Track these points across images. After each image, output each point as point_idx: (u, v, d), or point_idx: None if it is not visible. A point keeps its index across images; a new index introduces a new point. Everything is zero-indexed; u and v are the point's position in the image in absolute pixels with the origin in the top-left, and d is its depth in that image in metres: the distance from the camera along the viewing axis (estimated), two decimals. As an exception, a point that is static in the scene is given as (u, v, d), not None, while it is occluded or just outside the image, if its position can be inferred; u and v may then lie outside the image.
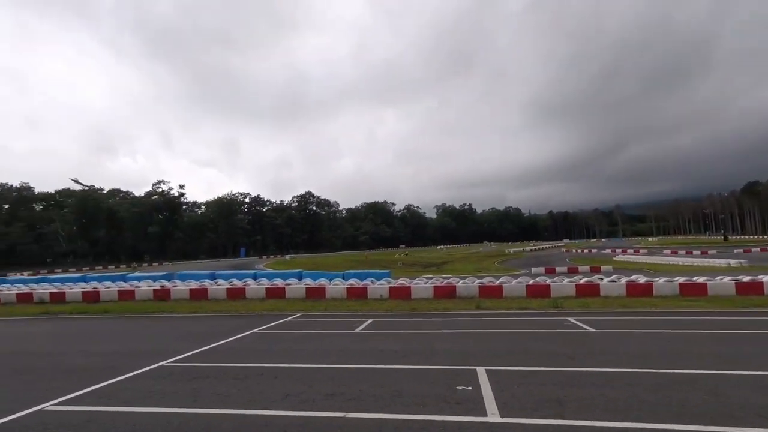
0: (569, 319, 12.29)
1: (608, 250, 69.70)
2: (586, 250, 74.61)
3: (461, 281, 20.12)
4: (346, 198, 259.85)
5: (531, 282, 18.98)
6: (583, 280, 19.03)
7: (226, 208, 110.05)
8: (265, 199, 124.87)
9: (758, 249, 56.87)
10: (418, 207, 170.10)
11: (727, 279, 18.13)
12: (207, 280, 24.69)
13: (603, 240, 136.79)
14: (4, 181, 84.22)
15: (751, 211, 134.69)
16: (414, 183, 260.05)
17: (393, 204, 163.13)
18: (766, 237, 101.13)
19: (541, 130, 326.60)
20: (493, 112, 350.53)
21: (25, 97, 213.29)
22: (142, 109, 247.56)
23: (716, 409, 4.90)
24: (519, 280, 20.06)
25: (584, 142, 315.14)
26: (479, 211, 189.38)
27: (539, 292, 17.69)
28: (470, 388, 5.86)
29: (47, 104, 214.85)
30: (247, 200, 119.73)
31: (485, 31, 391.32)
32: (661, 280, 18.49)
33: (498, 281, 19.49)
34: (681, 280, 18.20)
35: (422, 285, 19.29)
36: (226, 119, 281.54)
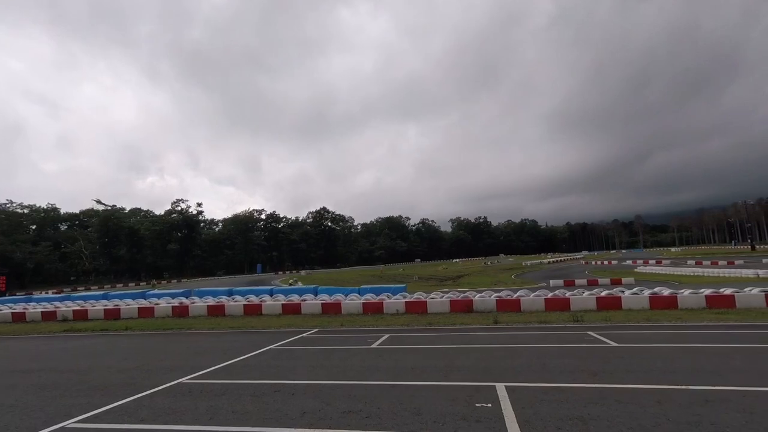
0: (590, 333, 11.96)
1: (629, 262, 68.03)
2: (605, 262, 72.93)
3: (478, 295, 19.83)
4: (365, 213, 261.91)
5: (550, 295, 18.59)
6: (603, 293, 18.55)
7: (242, 224, 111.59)
8: (281, 216, 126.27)
9: (789, 258, 54.60)
10: (433, 221, 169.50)
11: (756, 290, 17.43)
12: (224, 296, 24.92)
13: (623, 251, 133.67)
14: (32, 202, 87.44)
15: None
16: (432, 197, 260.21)
17: (408, 218, 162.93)
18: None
19: (562, 142, 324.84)
20: (514, 125, 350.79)
21: (59, 120, 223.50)
22: (171, 130, 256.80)
23: (751, 429, 4.67)
24: (537, 293, 19.67)
25: (606, 153, 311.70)
26: (494, 223, 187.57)
27: (558, 305, 17.31)
28: (490, 405, 5.73)
29: (80, 127, 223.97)
30: (263, 217, 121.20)
31: (509, 45, 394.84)
32: (687, 292, 17.89)
33: (516, 295, 19.15)
34: (707, 291, 17.58)
35: (438, 299, 19.08)
36: (250, 138, 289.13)
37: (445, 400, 6.06)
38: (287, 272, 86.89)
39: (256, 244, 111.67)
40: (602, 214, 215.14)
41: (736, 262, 50.22)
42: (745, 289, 17.77)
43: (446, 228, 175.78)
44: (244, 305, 20.55)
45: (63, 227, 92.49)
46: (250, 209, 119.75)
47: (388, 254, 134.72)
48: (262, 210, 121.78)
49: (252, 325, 16.38)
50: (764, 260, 51.82)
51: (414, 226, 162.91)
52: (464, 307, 17.92)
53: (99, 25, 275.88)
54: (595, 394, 6.10)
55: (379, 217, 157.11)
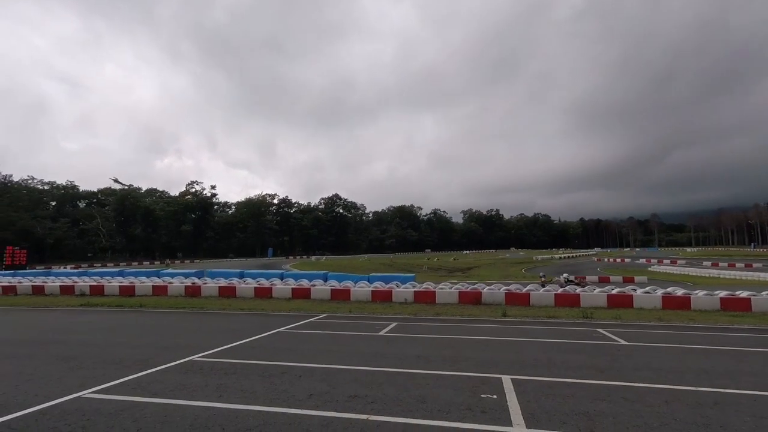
0: (600, 330, 11.87)
1: (643, 260, 67.04)
2: (618, 260, 72.01)
3: (487, 287, 19.79)
4: (377, 201, 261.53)
5: (560, 291, 18.45)
6: (615, 291, 18.34)
7: (255, 208, 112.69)
8: (293, 201, 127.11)
9: (810, 263, 53.14)
10: (444, 212, 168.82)
11: (774, 294, 17.03)
12: (236, 278, 25.31)
13: (637, 249, 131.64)
14: (52, 179, 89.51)
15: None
16: (445, 188, 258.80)
17: (420, 208, 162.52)
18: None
19: (579, 137, 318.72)
20: (533, 118, 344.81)
21: (81, 99, 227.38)
22: (190, 112, 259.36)
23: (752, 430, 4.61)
24: (547, 288, 19.53)
25: (624, 149, 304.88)
26: (507, 217, 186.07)
27: (569, 301, 17.19)
28: (495, 396, 5.75)
29: (101, 106, 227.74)
30: (275, 201, 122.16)
31: (532, 38, 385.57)
32: (701, 293, 17.58)
33: (525, 289, 19.06)
34: (722, 293, 17.25)
35: (447, 290, 19.09)
36: (266, 122, 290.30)
37: (451, 389, 6.10)
38: (298, 257, 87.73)
39: (268, 228, 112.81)
40: (617, 211, 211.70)
41: (755, 265, 49.10)
42: (763, 293, 17.37)
43: (458, 219, 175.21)
44: (255, 288, 20.85)
45: (81, 205, 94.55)
46: (263, 193, 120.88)
47: (399, 243, 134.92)
48: (275, 195, 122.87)
49: (262, 308, 16.64)
50: (784, 264, 50.54)
51: (425, 216, 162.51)
52: (473, 299, 17.91)
53: (124, 3, 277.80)
54: (602, 391, 6.07)
55: (391, 206, 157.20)
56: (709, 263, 54.91)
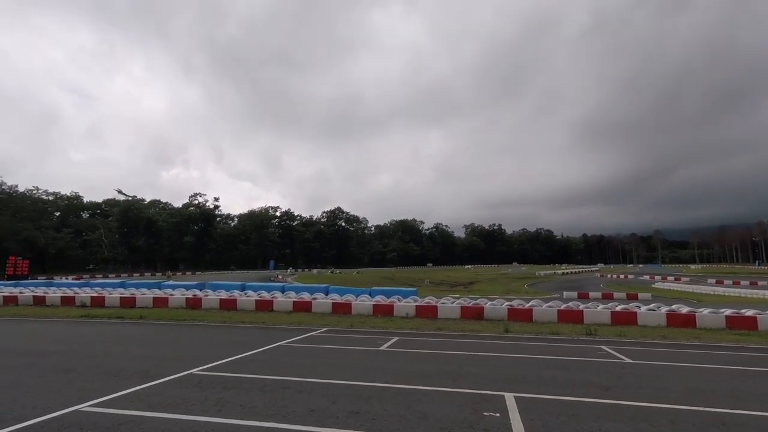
0: (603, 347, 11.73)
1: (646, 277, 66.58)
2: (622, 276, 71.52)
3: (489, 303, 19.65)
4: (381, 215, 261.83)
5: (563, 306, 18.30)
6: (619, 307, 18.16)
7: (257, 221, 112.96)
8: (296, 214, 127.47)
9: (816, 282, 52.62)
10: (446, 226, 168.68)
11: (780, 313, 16.84)
12: (237, 291, 25.25)
13: (640, 266, 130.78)
14: (57, 190, 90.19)
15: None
16: (449, 202, 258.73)
17: (422, 222, 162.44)
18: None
19: (584, 153, 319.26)
20: (539, 133, 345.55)
21: (91, 110, 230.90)
22: (199, 124, 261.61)
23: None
24: (550, 304, 19.37)
25: (629, 165, 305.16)
26: (509, 231, 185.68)
27: (572, 317, 17.03)
28: (498, 414, 5.66)
29: (111, 117, 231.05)
30: (278, 214, 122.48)
31: (539, 53, 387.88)
32: (706, 311, 17.40)
33: (528, 305, 18.91)
34: (728, 311, 17.07)
35: (449, 305, 18.96)
36: (273, 135, 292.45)
37: (453, 406, 6.02)
38: (299, 270, 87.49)
39: (270, 241, 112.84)
40: (620, 227, 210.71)
41: (760, 283, 48.65)
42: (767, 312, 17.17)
43: (460, 234, 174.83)
44: (256, 300, 20.77)
45: (85, 215, 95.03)
46: (266, 206, 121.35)
47: (401, 257, 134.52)
48: (278, 207, 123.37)
49: (263, 321, 16.55)
50: (789, 282, 50.04)
51: (428, 230, 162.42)
52: (475, 314, 17.77)
53: (140, 16, 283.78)
54: (607, 410, 5.97)
55: (393, 220, 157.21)
56: (713, 281, 54.42)
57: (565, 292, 36.13)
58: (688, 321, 16.30)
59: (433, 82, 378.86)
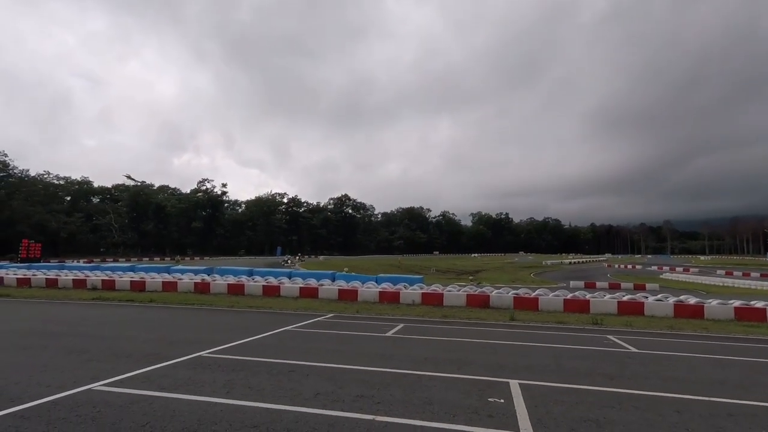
0: (609, 337, 11.72)
1: (654, 267, 66.09)
2: (629, 266, 71.06)
3: (495, 291, 19.66)
4: (388, 202, 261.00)
5: (569, 296, 18.26)
6: (626, 297, 18.09)
7: (265, 207, 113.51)
8: (303, 200, 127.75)
9: (828, 275, 51.87)
10: (453, 214, 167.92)
11: (790, 305, 16.66)
12: (244, 276, 25.51)
13: (648, 256, 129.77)
14: (68, 174, 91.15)
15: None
16: (457, 191, 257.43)
17: (429, 210, 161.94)
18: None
19: (597, 143, 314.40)
20: (552, 122, 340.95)
21: (103, 95, 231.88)
22: (210, 110, 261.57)
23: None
24: (556, 293, 19.35)
25: (641, 155, 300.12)
26: (516, 220, 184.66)
27: (578, 306, 17.00)
28: (503, 401, 5.70)
29: (123, 103, 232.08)
30: (285, 200, 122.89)
31: (554, 41, 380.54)
32: (714, 302, 17.27)
33: (534, 293, 18.89)
34: (737, 303, 16.93)
35: (455, 293, 19.01)
36: (283, 121, 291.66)
37: (458, 392, 6.06)
38: (306, 256, 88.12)
39: (277, 227, 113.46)
40: (629, 218, 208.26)
41: (770, 275, 47.97)
42: (778, 304, 16.98)
43: (467, 222, 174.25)
44: (263, 286, 20.99)
45: (95, 200, 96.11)
46: (273, 192, 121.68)
47: (407, 245, 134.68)
48: (285, 194, 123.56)
49: (270, 306, 16.74)
50: (801, 275, 49.35)
51: (434, 218, 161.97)
52: (481, 302, 17.81)
53: (153, 1, 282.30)
54: (612, 398, 5.98)
55: (400, 207, 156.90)
56: (723, 272, 53.90)
57: (571, 282, 36.02)
58: (696, 312, 16.19)
59: (445, 69, 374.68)
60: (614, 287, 33.43)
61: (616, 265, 74.94)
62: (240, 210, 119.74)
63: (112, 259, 60.96)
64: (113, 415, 4.83)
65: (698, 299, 18.09)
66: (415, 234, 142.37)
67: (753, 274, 49.57)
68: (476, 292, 19.21)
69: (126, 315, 14.01)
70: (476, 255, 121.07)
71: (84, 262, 43.72)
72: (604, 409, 5.51)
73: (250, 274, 26.83)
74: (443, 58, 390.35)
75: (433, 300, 18.28)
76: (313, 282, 22.90)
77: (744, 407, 5.80)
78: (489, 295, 18.30)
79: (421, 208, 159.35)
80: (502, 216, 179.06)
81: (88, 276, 24.14)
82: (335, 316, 14.52)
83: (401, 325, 12.69)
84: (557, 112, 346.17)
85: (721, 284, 40.32)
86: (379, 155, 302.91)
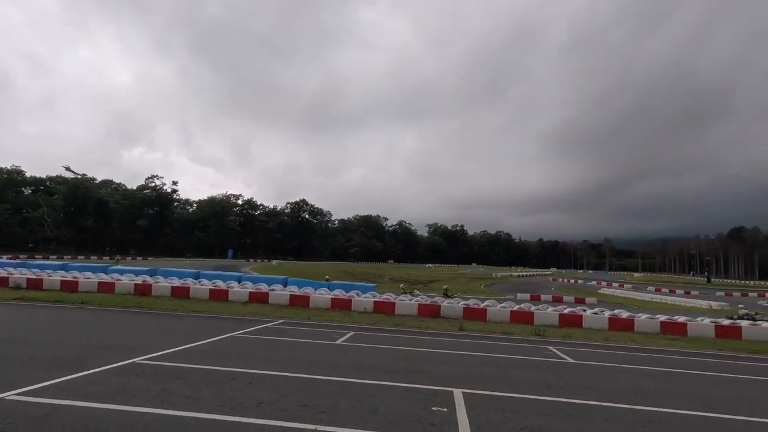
0: (550, 347, 12.29)
1: (594, 282, 70.21)
2: (572, 281, 75.03)
3: (446, 301, 20.06)
4: (348, 209, 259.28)
5: (516, 308, 19.00)
6: (566, 310, 19.08)
7: (218, 207, 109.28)
8: (258, 203, 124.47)
9: (739, 293, 57.68)
10: (410, 224, 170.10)
11: (707, 320, 18.32)
12: (191, 279, 24.33)
13: (590, 272, 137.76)
14: (3, 164, 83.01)
15: (735, 256, 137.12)
16: (417, 201, 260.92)
17: (386, 219, 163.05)
18: (748, 282, 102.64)
19: (552, 162, 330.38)
20: (512, 140, 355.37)
21: (50, 80, 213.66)
22: (168, 104, 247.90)
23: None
24: (504, 305, 20.06)
25: (590, 176, 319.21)
26: (471, 232, 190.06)
27: (523, 318, 17.70)
28: (446, 409, 5.80)
29: (71, 89, 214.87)
30: (239, 202, 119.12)
31: (520, 64, 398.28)
32: (643, 316, 18.62)
33: (483, 304, 19.47)
34: (662, 318, 18.34)
35: (407, 302, 19.21)
36: (247, 122, 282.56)
37: (403, 401, 6.10)
38: (259, 260, 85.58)
39: (230, 229, 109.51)
40: (574, 234, 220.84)
41: (692, 293, 52.58)
42: (697, 319, 18.63)
43: (423, 232, 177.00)
44: (211, 289, 20.12)
45: (27, 191, 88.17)
46: (227, 193, 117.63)
47: (363, 252, 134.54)
48: (240, 195, 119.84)
49: (216, 311, 16.07)
50: (717, 293, 54.47)
51: (391, 227, 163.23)
52: (432, 312, 18.09)
53: None
54: (548, 407, 6.26)
55: (358, 215, 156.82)
56: (652, 288, 58.26)
57: (518, 294, 37.50)
58: (628, 325, 17.37)
59: (415, 81, 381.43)
60: (557, 300, 35.16)
61: (560, 279, 78.92)
62: (191, 210, 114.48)
63: (41, 256, 55.99)
64: (28, 428, 4.41)
65: (630, 313, 19.43)
66: (371, 242, 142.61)
67: (678, 291, 54.02)
68: (428, 302, 19.51)
69: (53, 317, 12.90)
70: (431, 265, 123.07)
71: (8, 258, 39.86)
72: (540, 417, 5.76)
73: (197, 276, 25.64)
74: (415, 71, 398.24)
75: (385, 308, 18.34)
76: (263, 287, 22.27)
77: (661, 414, 6.27)
78: (440, 305, 18.65)
79: (379, 216, 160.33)
80: (458, 228, 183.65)
81: (11, 273, 22.00)
82: (285, 323, 14.19)
83: (352, 333, 12.61)
84: (517, 130, 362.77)
85: (650, 300, 43.60)
86: (342, 161, 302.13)
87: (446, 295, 26.44)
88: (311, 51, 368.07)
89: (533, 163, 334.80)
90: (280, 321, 14.44)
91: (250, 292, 19.87)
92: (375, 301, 18.84)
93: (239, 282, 24.48)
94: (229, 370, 7.31)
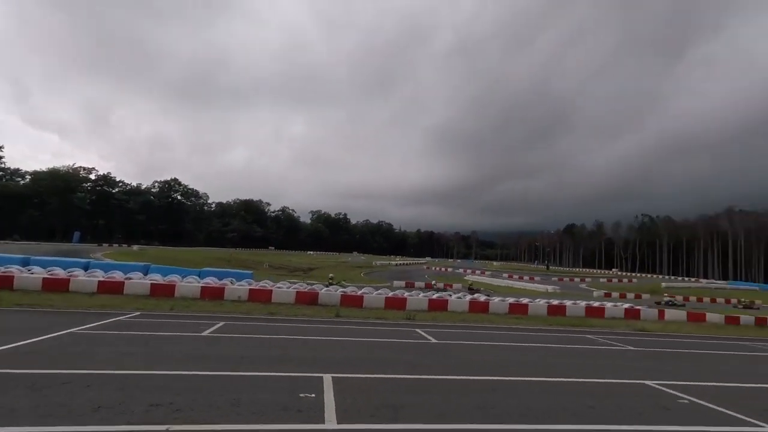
0: (417, 330, 13.28)
1: (461, 270, 77.96)
2: (443, 269, 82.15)
3: (324, 289, 20.19)
4: (227, 192, 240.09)
5: (390, 294, 20.05)
6: (435, 296, 20.86)
7: (61, 182, 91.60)
8: (118, 179, 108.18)
9: (568, 279, 70.37)
10: (293, 210, 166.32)
11: (542, 302, 21.84)
12: (16, 266, 20.02)
13: (458, 261, 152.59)
14: None
15: (568, 248, 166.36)
16: (301, 187, 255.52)
17: (269, 204, 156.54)
18: (576, 269, 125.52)
19: (433, 158, 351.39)
20: (398, 134, 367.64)
21: None
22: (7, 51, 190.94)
23: (520, 411, 5.78)
24: (379, 291, 21.01)
25: (464, 174, 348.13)
26: (354, 221, 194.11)
27: (396, 304, 18.76)
28: (313, 395, 5.82)
29: None
30: (92, 177, 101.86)
31: (410, 63, 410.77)
32: (497, 299, 21.38)
33: (360, 291, 20.09)
34: (510, 300, 21.28)
35: (284, 289, 18.80)
36: (109, 84, 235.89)
37: (270, 390, 5.94)
38: (116, 245, 74.54)
39: (78, 207, 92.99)
40: (447, 226, 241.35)
41: (535, 279, 62.25)
42: (536, 300, 22.09)
43: (306, 219, 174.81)
44: (44, 278, 16.84)
45: None
46: (76, 165, 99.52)
47: (242, 238, 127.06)
48: (92, 169, 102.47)
49: (52, 303, 13.52)
50: (553, 278, 65.49)
51: (273, 212, 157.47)
52: (309, 299, 18.01)
53: None
54: (411, 384, 6.77)
55: (238, 199, 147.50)
56: (506, 275, 67.30)
57: (395, 281, 39.67)
58: (484, 308, 19.75)
59: (306, 66, 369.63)
60: (429, 287, 38.17)
61: (434, 268, 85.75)
62: (22, 182, 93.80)
63: None
64: None
65: (486, 297, 22.13)
66: (251, 227, 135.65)
67: (525, 278, 63.41)
68: (306, 290, 19.37)
69: None
70: (312, 252, 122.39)
71: None
72: (403, 394, 6.18)
73: (26, 263, 21.25)
74: (307, 55, 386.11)
75: (261, 296, 17.65)
76: (118, 275, 19.51)
77: (504, 382, 7.30)
78: (318, 293, 18.67)
79: (260, 201, 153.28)
80: (341, 216, 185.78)
81: None
82: (142, 315, 12.65)
83: (221, 323, 11.83)
84: (404, 125, 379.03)
85: (505, 285, 50.31)
86: (223, 140, 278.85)
87: (332, 283, 26.61)
88: (194, 12, 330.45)
89: (416, 157, 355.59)
90: (137, 313, 12.83)
91: (99, 282, 17.19)
92: (250, 289, 17.99)
93: (86, 270, 21.01)
94: (62, 372, 6.22)
